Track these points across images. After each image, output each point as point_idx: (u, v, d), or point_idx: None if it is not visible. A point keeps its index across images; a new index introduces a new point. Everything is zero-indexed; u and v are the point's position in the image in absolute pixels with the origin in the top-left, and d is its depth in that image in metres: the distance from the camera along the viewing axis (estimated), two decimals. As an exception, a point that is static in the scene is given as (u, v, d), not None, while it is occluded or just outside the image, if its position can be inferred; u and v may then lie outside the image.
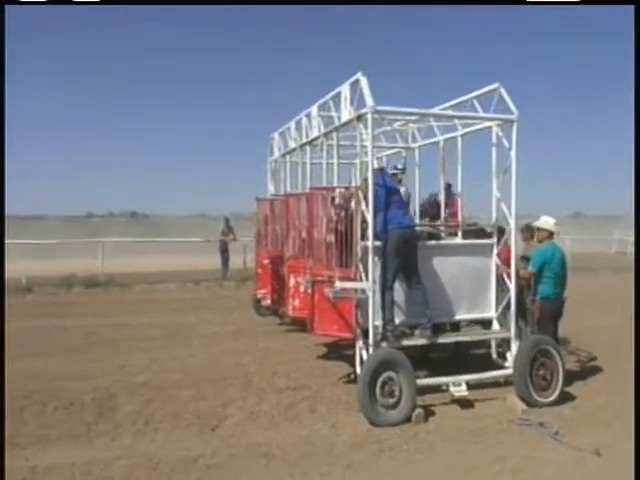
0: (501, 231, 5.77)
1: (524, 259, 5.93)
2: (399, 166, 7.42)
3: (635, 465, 3.41)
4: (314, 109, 6.53)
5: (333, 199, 5.51)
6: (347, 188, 5.49)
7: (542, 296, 5.66)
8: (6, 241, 14.23)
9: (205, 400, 5.18)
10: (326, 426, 4.61)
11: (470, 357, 6.39)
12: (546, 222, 5.80)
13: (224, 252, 14.70)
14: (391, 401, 4.69)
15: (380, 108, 4.94)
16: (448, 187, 6.92)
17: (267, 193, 9.52)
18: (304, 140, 7.14)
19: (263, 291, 8.41)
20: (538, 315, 5.67)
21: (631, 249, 19.79)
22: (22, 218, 45.36)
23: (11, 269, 13.45)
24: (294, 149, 7.81)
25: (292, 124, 7.74)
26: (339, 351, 6.90)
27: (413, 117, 6.42)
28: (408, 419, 4.65)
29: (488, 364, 5.77)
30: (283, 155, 8.57)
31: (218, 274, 14.33)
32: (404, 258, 5.21)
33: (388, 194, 5.22)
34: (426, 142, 7.10)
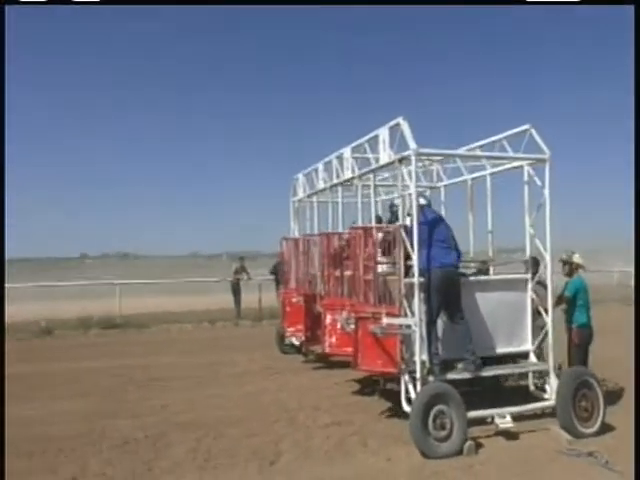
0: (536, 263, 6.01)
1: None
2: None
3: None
4: (347, 151, 6.82)
5: (375, 237, 5.74)
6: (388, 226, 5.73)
7: (579, 324, 6.12)
8: (18, 285, 14.49)
9: (256, 436, 5.26)
10: (381, 459, 4.69)
11: (506, 390, 6.51)
12: (578, 257, 6.18)
13: (236, 291, 14.73)
14: (443, 434, 4.80)
15: (423, 150, 5.24)
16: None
17: (290, 233, 9.76)
18: (335, 181, 7.42)
19: (292, 329, 8.50)
20: (577, 341, 6.06)
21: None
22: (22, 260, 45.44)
23: (26, 311, 13.58)
24: (323, 189, 8.08)
25: (320, 165, 8.03)
26: (372, 386, 6.99)
27: (439, 157, 6.73)
28: (459, 451, 4.76)
29: (526, 396, 5.89)
30: (309, 195, 8.84)
31: (232, 313, 14.40)
32: (446, 295, 5.37)
33: (430, 231, 5.38)
34: (453, 181, 7.38)
